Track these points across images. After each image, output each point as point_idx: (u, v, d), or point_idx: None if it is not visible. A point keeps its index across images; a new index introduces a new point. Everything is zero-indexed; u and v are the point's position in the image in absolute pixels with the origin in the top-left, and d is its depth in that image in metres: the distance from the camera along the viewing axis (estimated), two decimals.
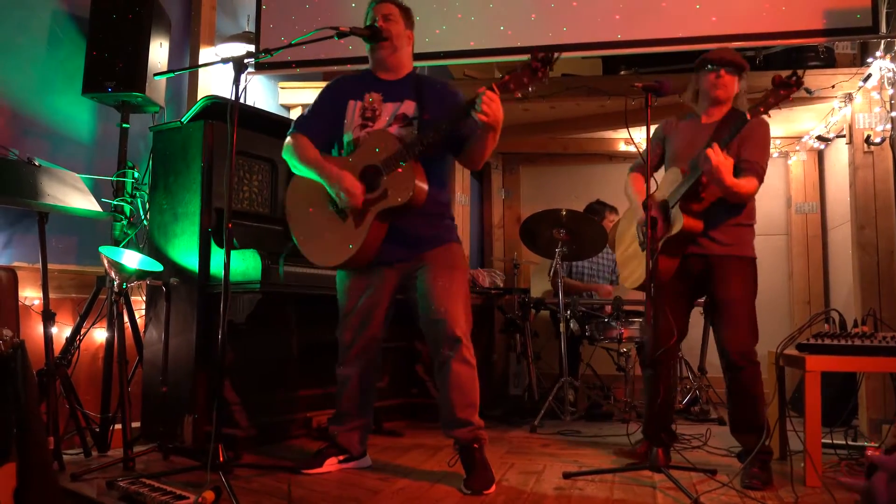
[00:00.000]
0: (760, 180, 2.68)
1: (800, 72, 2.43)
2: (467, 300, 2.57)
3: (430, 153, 2.50)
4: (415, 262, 2.57)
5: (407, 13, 2.68)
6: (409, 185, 2.41)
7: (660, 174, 2.91)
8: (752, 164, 2.67)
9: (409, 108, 2.57)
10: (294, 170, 2.63)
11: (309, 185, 2.60)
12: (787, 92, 2.40)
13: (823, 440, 2.67)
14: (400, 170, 2.43)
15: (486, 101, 2.31)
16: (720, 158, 2.50)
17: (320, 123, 2.66)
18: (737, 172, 2.67)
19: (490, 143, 2.46)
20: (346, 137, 2.61)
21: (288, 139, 2.65)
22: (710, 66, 2.76)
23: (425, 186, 2.46)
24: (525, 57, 2.33)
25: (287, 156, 2.63)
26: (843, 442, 3.03)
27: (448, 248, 2.60)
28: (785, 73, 2.41)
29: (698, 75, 2.83)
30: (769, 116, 2.48)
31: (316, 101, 2.73)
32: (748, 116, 2.47)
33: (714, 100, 2.78)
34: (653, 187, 2.70)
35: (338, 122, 2.63)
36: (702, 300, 2.99)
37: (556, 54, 2.28)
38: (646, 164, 2.70)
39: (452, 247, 2.62)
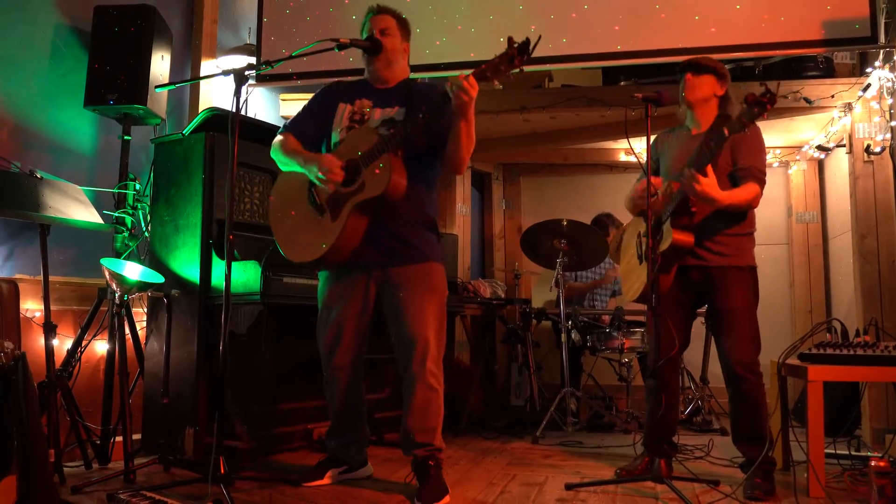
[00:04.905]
0: (762, 184, 2.66)
1: (772, 87, 2.39)
2: (441, 324, 2.54)
3: (417, 154, 2.50)
4: (393, 274, 2.53)
5: (404, 25, 2.67)
6: (384, 176, 2.39)
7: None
8: (750, 169, 2.66)
9: (397, 113, 2.56)
10: (280, 165, 2.64)
11: (289, 185, 2.61)
12: (761, 110, 2.37)
13: (826, 450, 2.66)
14: (378, 163, 2.42)
15: (464, 84, 2.30)
16: (702, 183, 2.49)
17: (309, 124, 2.68)
18: (735, 181, 2.67)
19: (463, 134, 2.42)
20: (334, 137, 2.63)
21: (276, 138, 2.66)
22: (678, 72, 2.78)
23: (403, 181, 2.44)
24: (529, 67, 2.32)
25: (274, 153, 2.64)
26: (847, 452, 3.01)
27: (428, 268, 2.55)
28: (758, 91, 2.38)
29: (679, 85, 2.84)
30: (764, 117, 2.47)
31: (308, 103, 2.75)
32: (726, 133, 2.45)
33: (684, 102, 2.78)
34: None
35: (327, 124, 2.65)
36: (702, 310, 2.98)
37: (532, 43, 2.25)
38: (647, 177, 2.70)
39: (433, 266, 2.57)
